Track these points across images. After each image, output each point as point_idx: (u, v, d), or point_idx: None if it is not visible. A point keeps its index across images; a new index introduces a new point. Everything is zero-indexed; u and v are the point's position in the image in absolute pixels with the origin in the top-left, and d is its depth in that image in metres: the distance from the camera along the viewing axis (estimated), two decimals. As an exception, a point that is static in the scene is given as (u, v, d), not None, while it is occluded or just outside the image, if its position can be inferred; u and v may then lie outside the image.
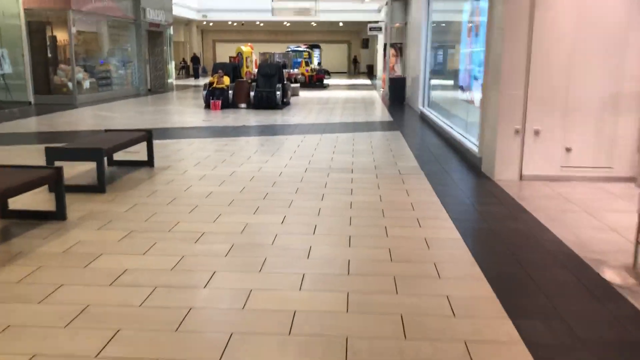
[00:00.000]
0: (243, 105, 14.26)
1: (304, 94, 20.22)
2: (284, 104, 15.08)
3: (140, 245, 3.96)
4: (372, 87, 25.70)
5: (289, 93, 15.80)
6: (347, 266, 3.57)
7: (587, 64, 5.79)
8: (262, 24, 42.11)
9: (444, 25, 12.83)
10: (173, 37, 33.65)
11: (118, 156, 7.16)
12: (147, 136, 6.72)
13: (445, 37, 12.71)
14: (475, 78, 10.32)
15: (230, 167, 6.81)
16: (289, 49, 28.19)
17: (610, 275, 3.48)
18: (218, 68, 14.54)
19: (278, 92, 14.13)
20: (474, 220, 4.59)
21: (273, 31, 45.21)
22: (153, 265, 3.58)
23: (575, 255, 3.79)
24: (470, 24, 10.80)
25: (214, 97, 13.89)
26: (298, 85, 19.70)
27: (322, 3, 28.40)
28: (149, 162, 6.78)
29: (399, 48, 21.92)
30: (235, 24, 41.23)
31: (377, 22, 31.36)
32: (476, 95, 9.84)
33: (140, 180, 5.98)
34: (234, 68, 15.06)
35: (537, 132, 5.94)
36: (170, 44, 24.37)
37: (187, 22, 36.00)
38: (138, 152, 7.57)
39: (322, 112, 13.45)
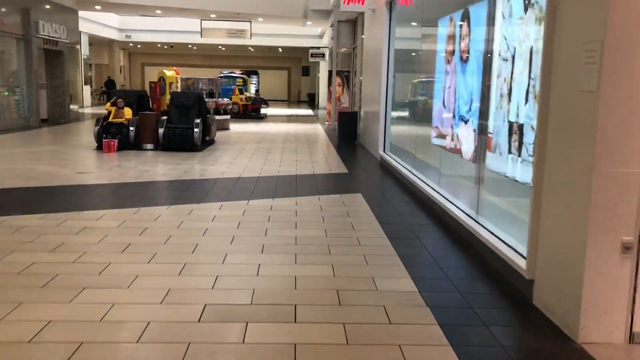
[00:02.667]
0: (150, 145, 10.86)
1: (236, 127, 17.01)
2: (205, 144, 11.80)
3: None
4: (315, 118, 22.81)
5: (214, 128, 12.55)
6: None
7: None
8: (195, 47, 38.80)
9: (412, 52, 10.05)
10: (91, 59, 29.92)
11: None
12: None
13: (413, 66, 9.91)
14: (462, 118, 7.46)
15: (35, 312, 3.46)
16: (222, 75, 24.99)
17: None
18: (117, 96, 11.10)
19: (196, 130, 10.84)
20: None
21: (207, 55, 41.97)
22: None
23: None
24: (450, 49, 7.98)
25: (109, 135, 10.44)
26: (229, 117, 16.49)
27: (259, 26, 25.52)
28: None
29: (345, 76, 19.19)
30: (166, 46, 37.68)
31: (319, 47, 28.83)
32: (465, 144, 7.04)
33: None
34: (139, 97, 11.64)
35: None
36: (84, 66, 20.73)
37: (110, 43, 32.19)
38: None
39: (255, 157, 10.29)
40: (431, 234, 5.32)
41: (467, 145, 7.27)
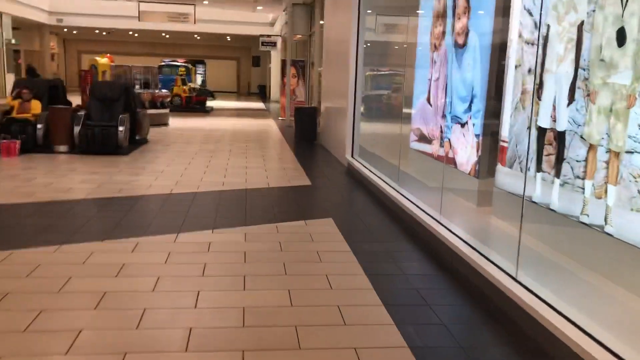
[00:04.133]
0: (63, 147, 8.77)
1: (177, 122, 14.95)
2: (135, 144, 9.80)
3: None
4: (267, 112, 20.94)
5: (146, 125, 10.53)
6: None
7: None
8: (136, 34, 36.08)
9: (387, 37, 8.40)
10: (20, 44, 26.86)
11: None
12: None
13: (388, 55, 8.26)
14: (457, 120, 5.94)
15: None
16: (163, 63, 22.74)
17: None
18: (22, 85, 8.94)
19: (121, 127, 8.82)
20: None
21: (150, 43, 39.24)
22: None
23: None
24: (439, 32, 6.38)
25: (10, 136, 8.31)
26: (167, 111, 14.42)
27: (204, 10, 23.32)
28: None
29: (300, 67, 17.40)
30: (105, 32, 34.77)
31: (270, 35, 26.86)
32: (461, 152, 5.56)
33: None
34: (51, 87, 9.49)
35: None
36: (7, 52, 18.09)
37: (39, 27, 29.17)
38: None
39: (195, 162, 8.39)
40: (457, 307, 3.63)
41: (465, 154, 5.67)
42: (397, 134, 7.20)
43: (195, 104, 19.46)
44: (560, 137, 4.03)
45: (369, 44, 8.33)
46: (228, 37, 35.76)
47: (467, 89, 5.70)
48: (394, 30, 8.20)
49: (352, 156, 8.42)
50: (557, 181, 4.07)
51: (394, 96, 8.31)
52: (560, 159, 4.08)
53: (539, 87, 4.36)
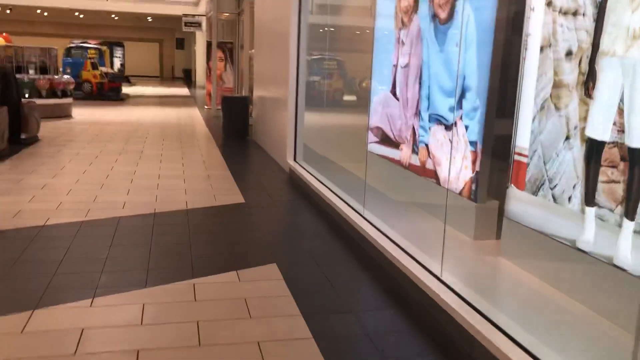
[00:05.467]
0: None
1: (84, 113, 12.77)
2: (18, 145, 7.76)
3: None
4: (192, 100, 18.91)
5: (33, 121, 8.47)
6: None
7: None
8: (45, 13, 32.59)
9: (335, 11, 6.85)
10: None
11: None
12: None
13: (338, 43, 6.73)
14: (440, 120, 4.50)
15: None
16: (72, 45, 20.14)
17: None
18: None
19: (-6, 126, 6.79)
20: None
21: (63, 23, 35.77)
22: None
23: None
24: (408, 2, 4.87)
25: None
26: (70, 100, 12.20)
27: (119, -15, 20.83)
28: None
29: (228, 49, 15.53)
30: (8, 10, 31.02)
31: (194, 15, 24.59)
32: (445, 163, 4.13)
33: None
34: None
35: None
36: None
37: None
38: None
39: (91, 172, 6.52)
40: None
41: (452, 167, 4.24)
42: (352, 133, 5.69)
43: (108, 92, 17.15)
44: (633, 156, 2.62)
45: (315, 23, 6.73)
46: (149, 18, 32.95)
47: (452, 79, 4.24)
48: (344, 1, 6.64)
49: (294, 159, 6.82)
50: (630, 225, 2.66)
51: (355, 86, 6.80)
52: (634, 190, 2.67)
53: (588, 79, 2.94)
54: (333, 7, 6.72)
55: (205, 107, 15.80)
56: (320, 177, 5.82)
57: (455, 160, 4.24)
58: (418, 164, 4.74)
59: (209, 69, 15.42)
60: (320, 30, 6.74)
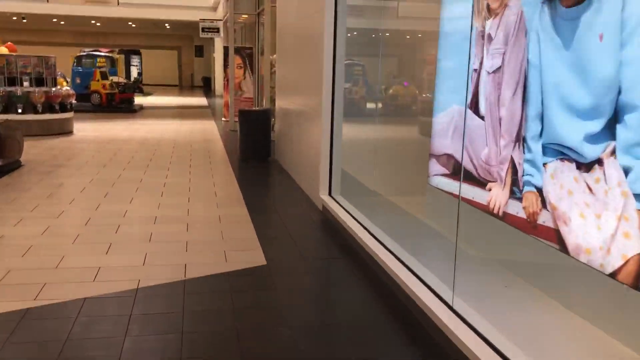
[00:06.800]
0: None
1: (88, 128, 11.45)
2: (-8, 175, 6.39)
3: None
4: (210, 112, 17.56)
5: (14, 144, 7.10)
6: None
7: None
8: (62, 22, 31.79)
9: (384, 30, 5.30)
10: None
11: None
12: None
13: (387, 48, 5.17)
14: (568, 154, 2.64)
15: None
16: (82, 54, 18.97)
17: None
18: None
19: (-49, 156, 5.39)
20: None
21: (80, 32, 35.06)
22: None
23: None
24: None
25: None
26: (71, 115, 10.87)
27: (133, -10, 19.68)
28: None
29: (247, 55, 14.11)
30: (24, 19, 30.23)
31: (212, 20, 23.34)
32: (579, 222, 2.11)
33: None
34: None
35: None
36: None
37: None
38: None
39: (69, 214, 5.08)
40: None
41: (595, 231, 2.57)
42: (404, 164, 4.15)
43: (119, 103, 15.87)
44: None
45: (357, 27, 5.20)
46: (167, 25, 31.87)
47: (592, 92, 2.66)
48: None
49: (329, 194, 5.28)
50: None
51: (412, 99, 5.26)
52: None
53: None
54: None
55: (223, 119, 14.41)
56: (364, 220, 4.27)
57: (605, 222, 2.67)
58: (523, 215, 3.17)
59: (226, 77, 14.03)
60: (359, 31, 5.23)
